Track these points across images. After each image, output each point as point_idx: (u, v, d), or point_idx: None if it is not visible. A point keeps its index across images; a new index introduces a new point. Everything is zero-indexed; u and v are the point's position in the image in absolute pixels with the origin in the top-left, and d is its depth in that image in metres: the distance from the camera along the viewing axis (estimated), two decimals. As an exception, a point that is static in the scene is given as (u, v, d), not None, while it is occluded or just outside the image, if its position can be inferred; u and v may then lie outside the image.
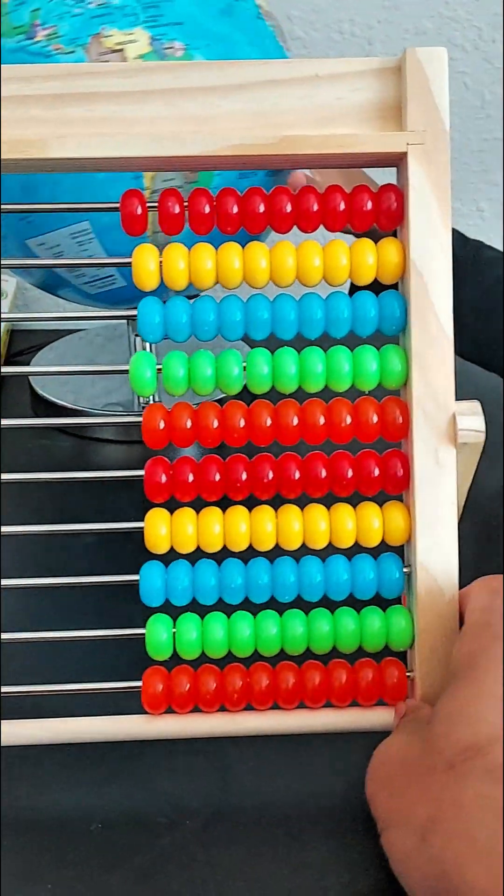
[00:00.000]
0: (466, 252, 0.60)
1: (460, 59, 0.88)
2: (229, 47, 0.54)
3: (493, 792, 0.26)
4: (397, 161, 0.36)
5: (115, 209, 0.36)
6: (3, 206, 0.37)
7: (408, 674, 0.36)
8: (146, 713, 0.36)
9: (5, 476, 0.36)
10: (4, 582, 0.37)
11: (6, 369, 0.37)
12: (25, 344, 0.84)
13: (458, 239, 0.61)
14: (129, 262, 0.35)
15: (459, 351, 0.61)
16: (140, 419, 0.36)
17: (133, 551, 0.37)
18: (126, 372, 0.36)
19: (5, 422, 0.37)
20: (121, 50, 0.51)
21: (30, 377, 0.72)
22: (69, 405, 0.68)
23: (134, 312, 0.36)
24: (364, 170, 0.62)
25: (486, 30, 0.87)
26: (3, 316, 0.37)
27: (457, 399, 0.35)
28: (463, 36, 0.88)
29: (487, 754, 0.27)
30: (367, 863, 0.32)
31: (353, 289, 0.37)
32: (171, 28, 0.52)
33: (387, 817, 0.29)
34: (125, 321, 0.51)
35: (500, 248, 0.63)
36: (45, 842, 0.34)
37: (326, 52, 0.88)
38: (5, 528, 0.36)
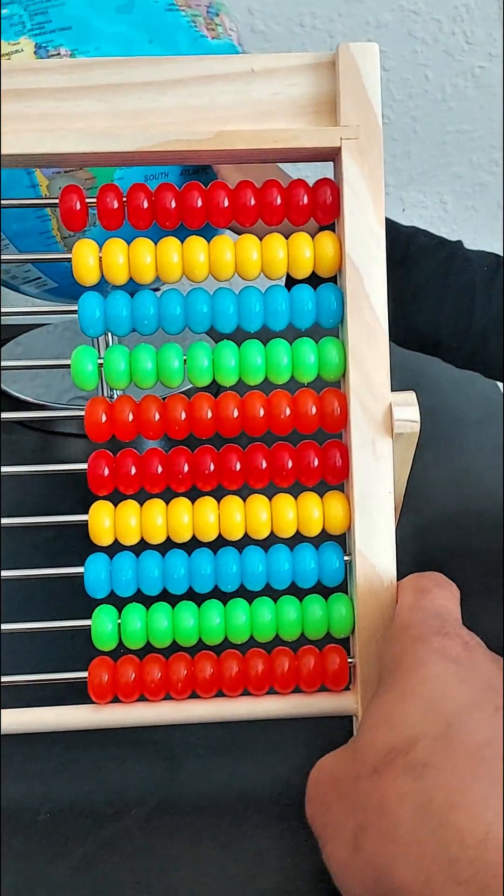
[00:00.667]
0: (400, 239, 0.60)
1: (421, 51, 0.89)
2: (123, 47, 0.53)
3: (413, 787, 0.26)
4: (333, 156, 0.36)
5: (54, 204, 0.36)
6: None
7: (349, 660, 0.36)
8: (93, 703, 0.36)
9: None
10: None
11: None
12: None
13: (392, 228, 0.60)
14: (61, 258, 0.36)
15: (401, 341, 0.61)
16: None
17: (90, 544, 0.37)
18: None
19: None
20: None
21: (-6, 372, 0.72)
22: (32, 400, 0.68)
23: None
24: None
25: (446, 22, 0.88)
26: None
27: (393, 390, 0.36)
28: (424, 29, 0.88)
29: (408, 753, 0.27)
30: (309, 847, 0.33)
31: (292, 281, 0.37)
32: (58, 34, 0.52)
33: (322, 833, 0.29)
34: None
35: (464, 241, 0.63)
36: (-10, 832, 0.34)
37: (288, 45, 0.88)
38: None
